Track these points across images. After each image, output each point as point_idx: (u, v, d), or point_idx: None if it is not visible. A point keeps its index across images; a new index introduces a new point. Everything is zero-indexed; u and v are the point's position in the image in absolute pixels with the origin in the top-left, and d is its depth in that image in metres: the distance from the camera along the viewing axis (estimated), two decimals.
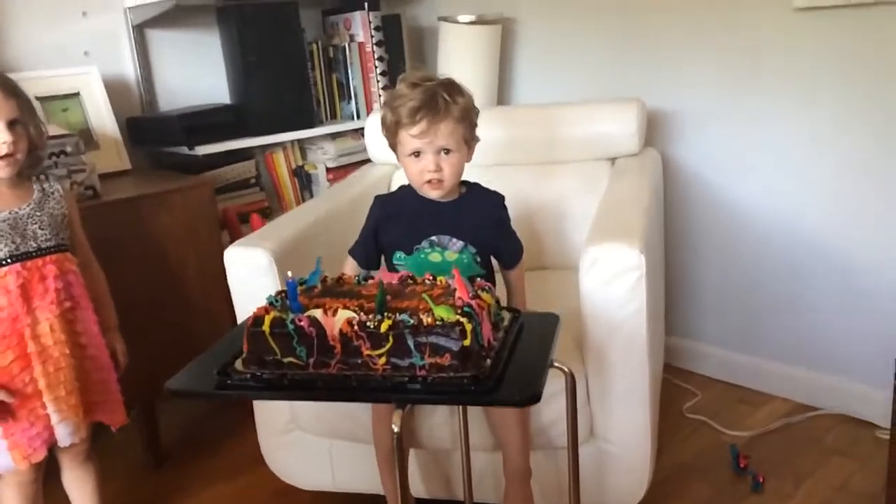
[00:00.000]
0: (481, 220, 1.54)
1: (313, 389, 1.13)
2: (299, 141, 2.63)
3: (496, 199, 1.58)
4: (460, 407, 1.53)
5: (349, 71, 2.64)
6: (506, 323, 1.28)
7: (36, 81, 2.13)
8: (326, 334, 1.14)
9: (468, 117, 1.47)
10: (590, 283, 1.48)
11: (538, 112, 2.24)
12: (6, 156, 1.43)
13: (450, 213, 1.53)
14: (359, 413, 1.62)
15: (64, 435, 1.50)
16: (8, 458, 1.47)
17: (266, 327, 1.15)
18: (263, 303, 1.22)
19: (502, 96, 2.65)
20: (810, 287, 2.14)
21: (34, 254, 1.48)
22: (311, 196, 2.63)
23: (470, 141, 1.50)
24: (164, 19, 2.38)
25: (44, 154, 1.56)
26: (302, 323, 1.13)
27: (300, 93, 2.50)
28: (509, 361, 1.17)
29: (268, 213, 2.51)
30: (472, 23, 2.46)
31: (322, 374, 1.14)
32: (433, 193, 1.50)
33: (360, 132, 2.53)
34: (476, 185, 1.59)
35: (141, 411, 2.06)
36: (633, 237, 1.47)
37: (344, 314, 1.14)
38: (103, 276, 1.66)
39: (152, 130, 2.39)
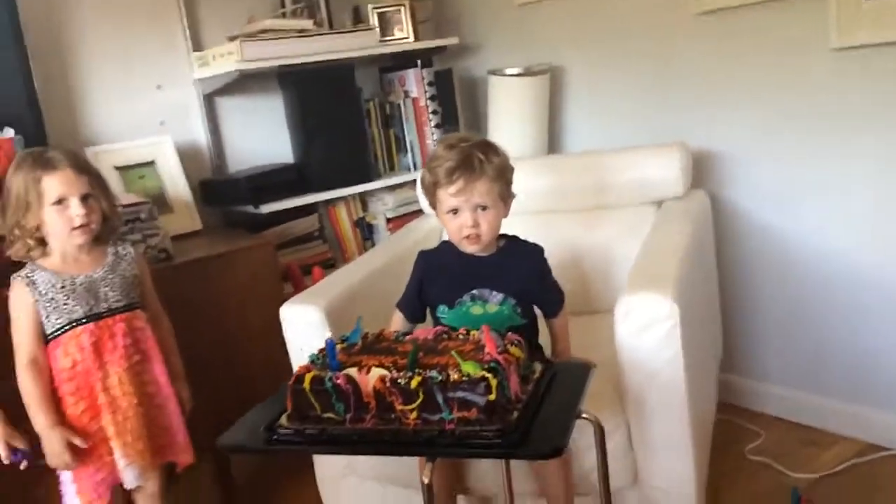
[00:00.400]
0: (520, 273, 1.59)
1: (350, 444, 1.21)
2: (360, 195, 2.75)
3: (535, 252, 1.64)
4: (504, 470, 1.58)
5: (405, 126, 2.76)
6: (536, 374, 1.34)
7: (114, 153, 2.33)
8: (361, 391, 1.22)
9: (503, 175, 1.55)
10: (625, 332, 1.51)
11: (584, 159, 2.30)
12: (81, 226, 1.58)
13: (490, 267, 1.59)
14: (410, 460, 1.69)
15: (130, 478, 1.62)
16: (77, 502, 1.60)
17: (307, 385, 1.24)
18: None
19: (553, 143, 2.71)
20: (872, 323, 2.10)
21: (105, 314, 1.62)
22: (373, 245, 2.74)
23: (506, 197, 1.58)
24: (230, 87, 2.55)
25: (117, 223, 1.71)
26: (339, 381, 1.22)
27: (358, 149, 2.62)
28: (537, 413, 1.22)
29: (331, 264, 2.63)
30: (519, 75, 2.53)
31: (358, 429, 1.22)
32: (471, 248, 1.58)
33: (416, 183, 2.64)
34: (515, 238, 1.65)
35: (213, 456, 2.18)
36: (666, 287, 1.51)
37: (377, 372, 1.22)
38: (171, 330, 1.79)
39: (222, 191, 2.55)
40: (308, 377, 1.24)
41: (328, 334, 1.70)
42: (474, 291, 1.57)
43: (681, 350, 1.48)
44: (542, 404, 1.25)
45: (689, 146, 2.16)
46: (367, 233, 2.77)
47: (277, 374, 2.06)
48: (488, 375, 1.17)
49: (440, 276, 1.62)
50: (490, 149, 1.55)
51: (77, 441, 1.55)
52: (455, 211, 1.54)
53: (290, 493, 2.25)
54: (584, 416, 1.28)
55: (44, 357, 1.59)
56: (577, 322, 1.82)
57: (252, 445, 1.25)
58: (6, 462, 1.57)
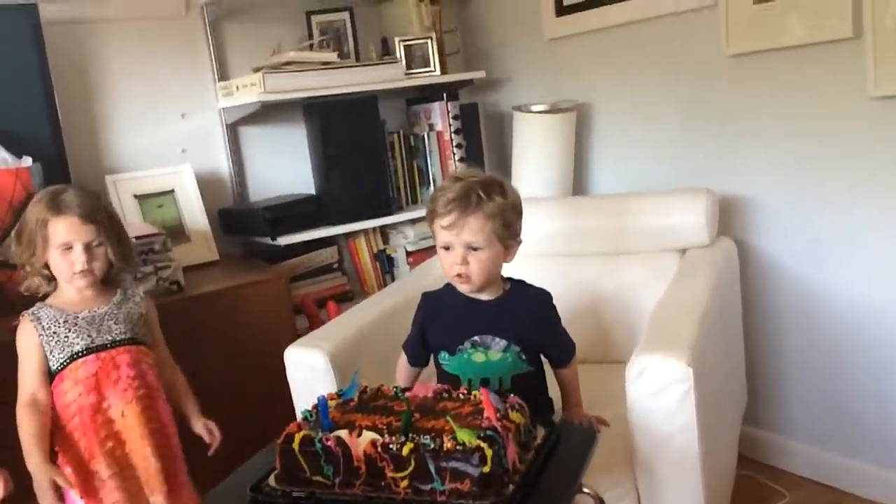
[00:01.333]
0: (524, 318, 1.52)
1: None
2: (381, 227, 2.71)
3: (541, 296, 1.57)
4: None
5: (428, 158, 2.72)
6: (538, 441, 1.27)
7: (134, 181, 2.33)
8: (352, 454, 1.16)
9: (502, 216, 1.46)
10: (636, 393, 1.45)
11: (606, 202, 2.23)
12: (82, 272, 1.56)
13: (492, 312, 1.52)
14: None
15: None
16: None
17: (296, 445, 1.19)
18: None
19: (578, 183, 2.65)
20: None
21: (108, 346, 1.59)
22: (393, 279, 2.70)
23: (507, 239, 1.49)
24: (254, 117, 2.54)
25: (126, 267, 1.68)
26: (329, 443, 1.17)
27: (379, 181, 2.58)
28: (536, 486, 1.16)
29: (350, 297, 2.59)
30: (544, 112, 2.48)
31: (347, 495, 1.16)
32: (463, 288, 1.51)
33: None
34: (520, 282, 1.58)
35: None
36: (681, 348, 1.44)
37: (368, 436, 1.17)
38: (179, 371, 1.76)
39: (241, 221, 2.53)
40: (298, 437, 1.19)
41: (332, 378, 1.66)
42: (476, 338, 1.51)
43: (695, 417, 1.40)
44: (543, 474, 1.19)
45: (715, 193, 2.09)
46: (386, 266, 2.73)
47: (288, 413, 2.03)
48: (483, 445, 1.11)
49: (441, 319, 1.56)
50: (494, 187, 1.48)
51: (60, 481, 1.51)
52: (447, 247, 1.48)
53: None
54: (584, 490, 1.21)
55: (45, 395, 1.56)
56: (592, 371, 1.75)
57: None
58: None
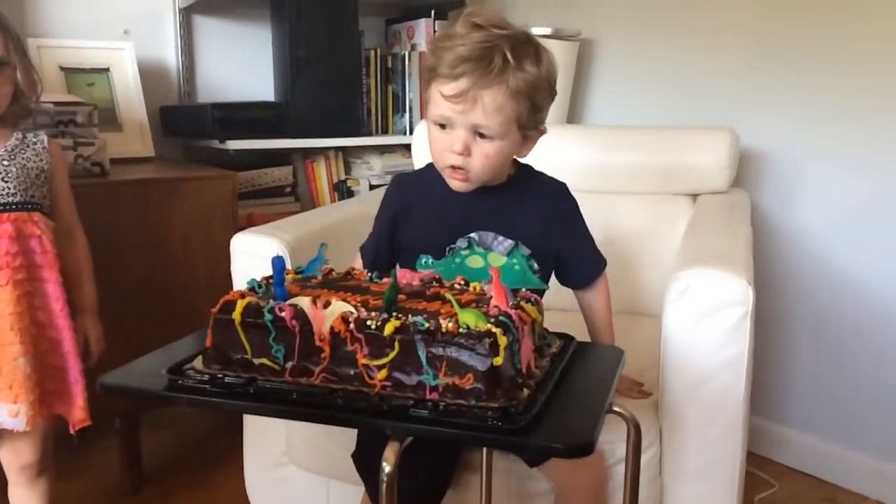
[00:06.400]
0: (537, 212, 1.17)
1: (284, 403, 0.84)
2: (344, 153, 2.40)
3: (559, 187, 1.21)
4: (484, 457, 1.21)
5: (407, 82, 2.41)
6: (553, 349, 0.98)
7: (62, 51, 1.96)
8: (313, 331, 0.85)
9: (531, 95, 1.06)
10: (677, 318, 1.15)
11: (611, 134, 1.94)
12: None
13: (494, 203, 1.16)
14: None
15: (2, 415, 1.24)
16: None
17: (237, 315, 0.87)
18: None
19: (572, 117, 2.38)
20: None
21: None
22: None
23: (529, 129, 1.11)
24: (214, 5, 2.21)
25: (31, 104, 1.34)
26: (283, 313, 0.85)
27: (351, 96, 2.27)
28: (553, 397, 0.86)
29: None
30: (547, 36, 2.20)
31: (301, 385, 0.85)
32: (454, 184, 1.12)
33: (410, 149, 2.29)
34: (528, 167, 1.21)
35: (122, 424, 1.79)
36: (739, 264, 1.16)
37: (339, 307, 0.86)
38: (87, 250, 1.42)
39: (185, 121, 2.18)
40: (240, 304, 0.87)
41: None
42: (472, 235, 1.16)
43: (748, 349, 1.12)
44: (560, 388, 0.90)
45: (737, 134, 1.84)
46: (346, 198, 2.41)
47: None
48: (496, 331, 0.81)
49: (423, 211, 1.18)
50: (528, 49, 1.06)
51: None
52: (444, 125, 1.09)
53: (209, 483, 1.87)
54: (615, 409, 0.92)
55: None
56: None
57: (144, 388, 0.87)
58: None
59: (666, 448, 1.20)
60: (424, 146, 2.02)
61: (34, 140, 1.32)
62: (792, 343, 2.01)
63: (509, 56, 1.04)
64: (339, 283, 0.99)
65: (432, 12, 2.37)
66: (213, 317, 0.89)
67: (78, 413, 1.34)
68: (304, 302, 0.86)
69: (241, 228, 1.94)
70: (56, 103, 1.66)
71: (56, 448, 1.42)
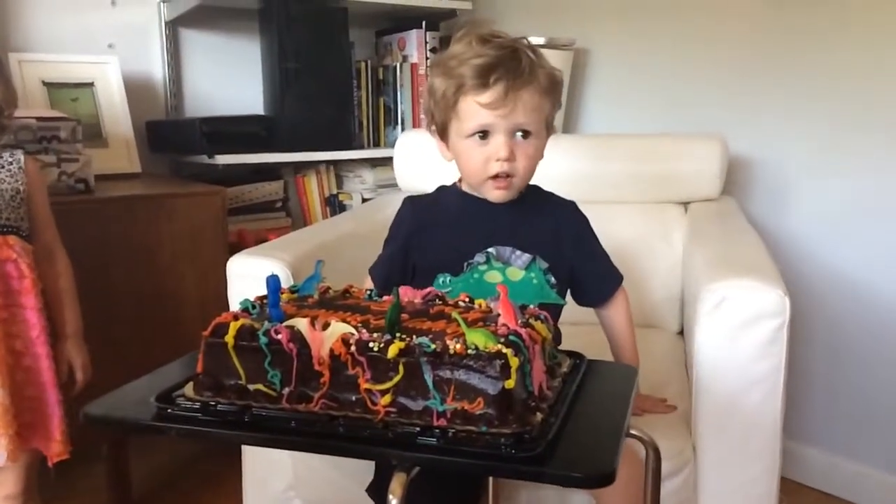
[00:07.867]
0: (551, 228, 1.16)
1: (281, 433, 0.78)
2: (335, 167, 2.35)
3: (570, 206, 1.21)
4: (491, 486, 1.15)
5: (398, 94, 2.37)
6: (564, 369, 0.93)
7: (46, 65, 1.91)
8: (311, 355, 0.80)
9: (556, 91, 1.09)
10: (711, 331, 1.12)
11: (602, 143, 1.90)
12: None
13: (510, 218, 1.14)
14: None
15: None
16: None
17: (230, 338, 0.82)
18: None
19: (567, 126, 2.35)
20: None
21: None
22: None
23: (550, 129, 1.13)
24: (201, 18, 2.16)
25: (6, 121, 1.28)
26: (279, 336, 0.80)
27: (341, 109, 2.22)
28: (568, 420, 0.81)
29: None
30: (541, 46, 2.16)
31: (299, 413, 0.80)
32: (496, 194, 1.10)
33: None
34: (538, 186, 1.20)
35: (111, 452, 1.73)
36: (770, 274, 1.13)
37: (339, 328, 0.81)
38: (69, 272, 1.36)
39: (172, 135, 2.13)
40: (233, 327, 0.82)
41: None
42: (490, 250, 1.12)
43: (784, 361, 1.10)
44: (573, 410, 0.85)
45: (727, 143, 1.80)
46: (337, 212, 2.36)
47: None
48: (507, 351, 0.76)
49: (438, 233, 1.16)
50: (538, 51, 1.10)
51: None
52: (485, 133, 1.07)
53: None
54: (633, 433, 0.87)
55: None
56: (580, 333, 1.41)
57: (131, 418, 0.82)
58: None
59: (701, 467, 1.15)
60: (409, 161, 1.97)
61: (10, 160, 1.26)
62: (800, 353, 1.95)
63: (532, 56, 1.07)
64: (337, 303, 0.94)
65: (423, 23, 2.34)
66: (204, 340, 0.83)
67: (55, 447, 1.28)
68: (301, 323, 0.81)
69: (232, 245, 1.91)
70: (39, 118, 1.61)
71: (42, 474, 1.35)
